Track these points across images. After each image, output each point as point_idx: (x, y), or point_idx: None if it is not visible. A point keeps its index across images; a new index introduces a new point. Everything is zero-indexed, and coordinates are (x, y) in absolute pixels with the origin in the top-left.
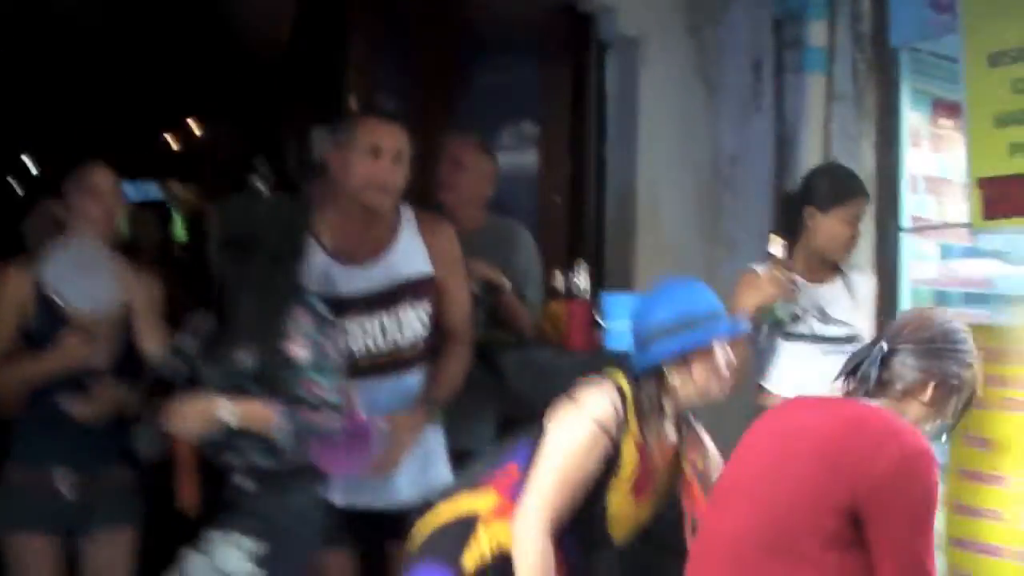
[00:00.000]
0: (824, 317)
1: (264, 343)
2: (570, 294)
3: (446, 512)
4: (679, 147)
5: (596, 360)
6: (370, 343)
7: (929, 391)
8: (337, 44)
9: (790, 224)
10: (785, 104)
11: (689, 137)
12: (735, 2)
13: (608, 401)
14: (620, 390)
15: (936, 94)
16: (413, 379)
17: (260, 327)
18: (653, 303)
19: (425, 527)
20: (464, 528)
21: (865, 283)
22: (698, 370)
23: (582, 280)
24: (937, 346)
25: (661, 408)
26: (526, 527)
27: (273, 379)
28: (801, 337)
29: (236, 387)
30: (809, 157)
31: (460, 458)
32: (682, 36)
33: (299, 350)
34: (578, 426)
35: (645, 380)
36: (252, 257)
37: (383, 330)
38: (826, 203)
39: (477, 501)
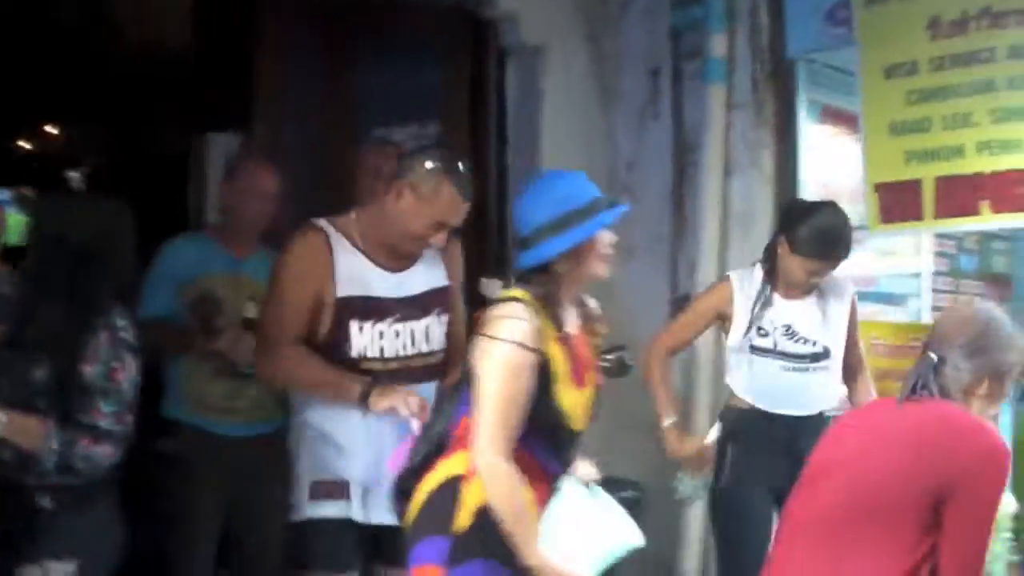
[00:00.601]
0: (790, 333)
1: (58, 358)
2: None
3: (428, 485)
4: (579, 154)
5: None
6: (401, 347)
7: (985, 385)
8: (243, 47)
9: (774, 240)
10: (684, 112)
11: (588, 144)
12: (631, 12)
13: (517, 319)
14: (522, 301)
15: (824, 103)
16: (433, 387)
17: (56, 340)
18: (534, 202)
19: (415, 506)
20: (448, 493)
21: (841, 301)
22: (586, 258)
23: None
24: (981, 343)
25: (559, 300)
26: (485, 462)
27: (61, 399)
28: (764, 352)
29: (23, 401)
30: (711, 164)
31: None
32: (580, 44)
33: (90, 371)
34: (499, 353)
35: (539, 278)
36: (58, 260)
37: (412, 336)
38: (797, 247)
39: (452, 464)
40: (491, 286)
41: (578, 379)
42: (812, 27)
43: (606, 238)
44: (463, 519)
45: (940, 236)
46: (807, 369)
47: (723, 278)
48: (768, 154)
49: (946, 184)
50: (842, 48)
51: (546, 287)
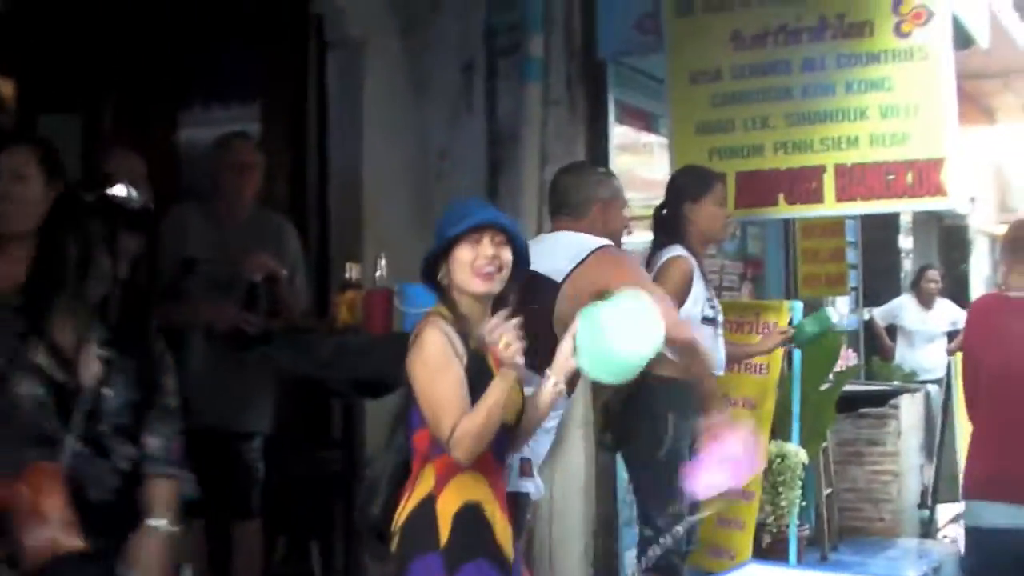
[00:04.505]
0: (712, 303)
1: None
2: (358, 284)
3: (405, 511)
4: (395, 143)
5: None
6: None
7: None
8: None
9: (671, 227)
10: (498, 107)
11: (403, 134)
12: (445, 9)
13: (430, 325)
14: (440, 314)
15: (626, 102)
16: None
17: None
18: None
19: (396, 532)
20: (426, 512)
21: None
22: (454, 273)
23: (382, 271)
24: None
25: (461, 314)
26: (456, 450)
27: None
28: (711, 321)
29: None
30: (528, 156)
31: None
32: (396, 38)
33: None
34: (422, 351)
35: (439, 295)
36: None
37: None
38: (714, 193)
39: (422, 483)
40: (378, 270)
41: None
42: (622, 33)
43: (466, 254)
44: (443, 532)
45: None
46: (721, 334)
47: (676, 258)
48: (581, 147)
49: (746, 178)
50: (649, 54)
51: (445, 303)
